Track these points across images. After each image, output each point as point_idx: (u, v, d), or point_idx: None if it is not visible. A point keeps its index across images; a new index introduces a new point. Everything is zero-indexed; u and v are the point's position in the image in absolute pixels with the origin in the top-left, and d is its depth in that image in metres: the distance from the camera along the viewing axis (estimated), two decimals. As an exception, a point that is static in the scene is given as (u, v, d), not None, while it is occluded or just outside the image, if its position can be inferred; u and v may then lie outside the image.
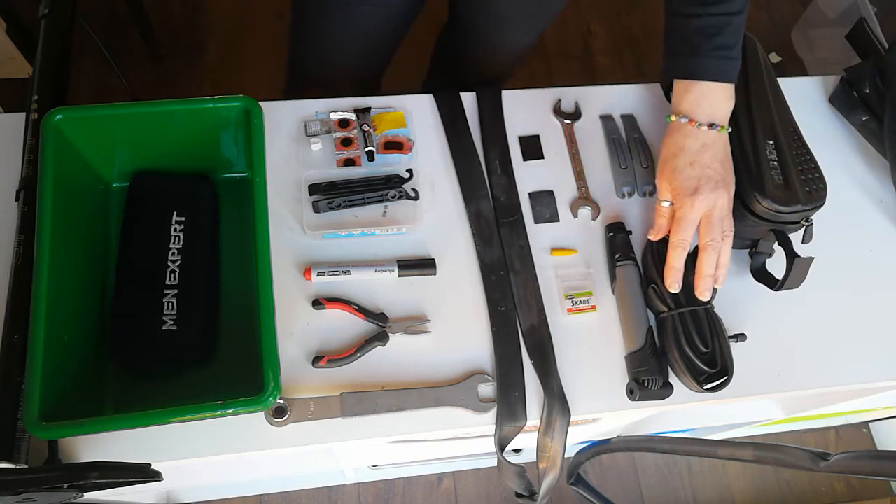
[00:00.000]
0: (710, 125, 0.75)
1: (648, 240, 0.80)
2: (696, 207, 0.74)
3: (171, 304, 0.72)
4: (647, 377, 0.74)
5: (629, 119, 0.92)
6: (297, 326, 0.75)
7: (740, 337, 0.78)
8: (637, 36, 2.09)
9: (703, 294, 0.75)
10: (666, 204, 0.77)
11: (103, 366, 0.71)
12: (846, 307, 0.84)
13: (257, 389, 0.61)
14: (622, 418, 1.05)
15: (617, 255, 0.81)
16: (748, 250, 0.83)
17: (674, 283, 0.75)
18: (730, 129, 0.77)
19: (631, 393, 0.75)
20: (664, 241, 0.79)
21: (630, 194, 0.87)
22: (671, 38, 0.78)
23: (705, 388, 0.73)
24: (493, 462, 0.95)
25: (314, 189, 0.81)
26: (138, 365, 0.72)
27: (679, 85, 0.77)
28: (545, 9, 1.05)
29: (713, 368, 0.74)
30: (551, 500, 0.78)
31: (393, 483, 1.59)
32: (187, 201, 0.77)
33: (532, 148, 0.89)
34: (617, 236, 0.82)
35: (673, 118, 0.77)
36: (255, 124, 0.71)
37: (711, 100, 0.76)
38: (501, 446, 0.74)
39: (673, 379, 0.76)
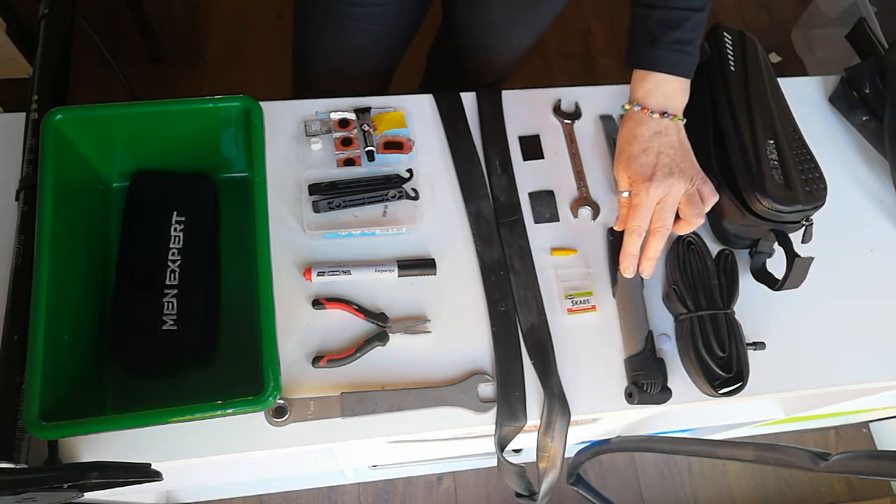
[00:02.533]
0: (663, 114, 0.75)
1: (673, 244, 0.81)
2: (651, 194, 0.74)
3: (171, 304, 0.72)
4: (646, 381, 0.74)
5: (629, 119, 0.92)
6: (297, 326, 0.75)
7: (759, 345, 0.78)
8: (637, 36, 2.09)
9: (644, 271, 0.76)
10: (625, 194, 0.77)
11: (103, 366, 0.71)
12: (846, 307, 0.84)
13: (257, 389, 0.61)
14: (622, 418, 1.05)
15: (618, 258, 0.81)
16: (748, 250, 0.83)
17: (628, 268, 0.76)
18: (684, 120, 0.77)
19: (629, 396, 0.75)
20: (686, 244, 0.80)
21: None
22: (633, 29, 0.78)
23: (719, 392, 0.73)
24: (493, 462, 0.95)
25: (314, 189, 0.81)
26: (138, 365, 0.72)
27: (636, 74, 0.77)
28: (542, 13, 1.04)
29: (728, 373, 0.74)
30: (551, 500, 0.78)
31: (393, 483, 1.59)
32: (187, 201, 0.77)
33: (532, 148, 0.89)
34: (618, 239, 0.82)
35: (627, 107, 0.77)
36: (255, 124, 0.71)
37: (665, 90, 0.76)
38: (501, 446, 0.74)
39: (684, 380, 0.76)
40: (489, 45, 1.11)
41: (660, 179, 0.73)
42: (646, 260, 0.76)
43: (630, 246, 0.76)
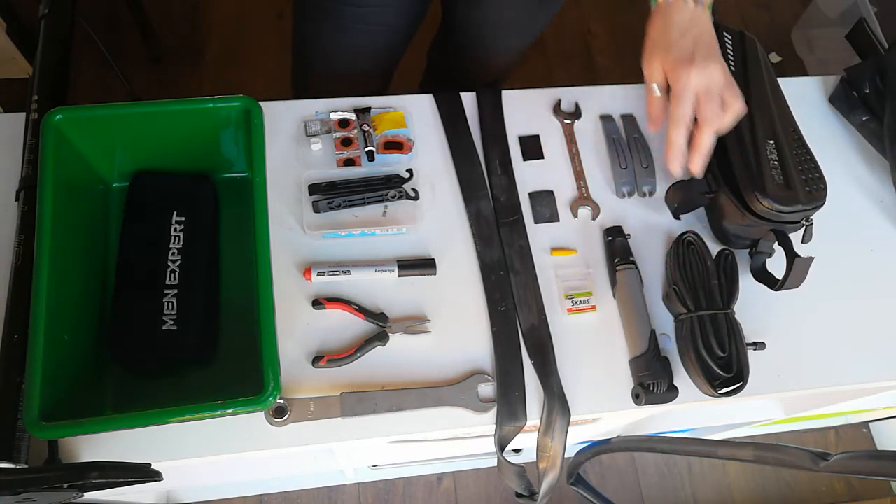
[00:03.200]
0: (696, 1, 0.73)
1: (673, 244, 0.80)
2: (693, 79, 0.71)
3: (171, 304, 0.72)
4: (652, 381, 0.74)
5: (629, 119, 0.92)
6: (297, 326, 0.75)
7: (759, 345, 0.77)
8: (637, 35, 2.08)
9: (695, 167, 0.73)
10: (656, 88, 0.74)
11: (103, 366, 0.71)
12: (846, 307, 0.84)
13: (257, 389, 0.61)
14: (622, 418, 1.05)
15: (616, 260, 0.81)
16: (748, 250, 0.83)
17: (673, 161, 0.72)
18: (714, 17, 0.75)
19: (636, 398, 0.75)
20: (686, 244, 0.79)
21: (630, 194, 0.87)
22: None
23: (719, 392, 0.73)
24: (493, 462, 0.95)
25: (314, 189, 0.81)
26: (138, 365, 0.72)
27: None
28: (541, 13, 1.05)
29: (728, 373, 0.74)
30: (551, 500, 0.78)
31: (393, 483, 1.59)
32: (187, 201, 0.77)
33: (532, 148, 0.89)
34: (615, 240, 0.82)
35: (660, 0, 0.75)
36: (255, 124, 0.71)
37: None
38: (501, 446, 0.74)
39: (684, 381, 0.76)
40: (489, 45, 1.11)
41: (701, 63, 0.71)
42: (697, 154, 0.72)
43: (677, 137, 0.71)
